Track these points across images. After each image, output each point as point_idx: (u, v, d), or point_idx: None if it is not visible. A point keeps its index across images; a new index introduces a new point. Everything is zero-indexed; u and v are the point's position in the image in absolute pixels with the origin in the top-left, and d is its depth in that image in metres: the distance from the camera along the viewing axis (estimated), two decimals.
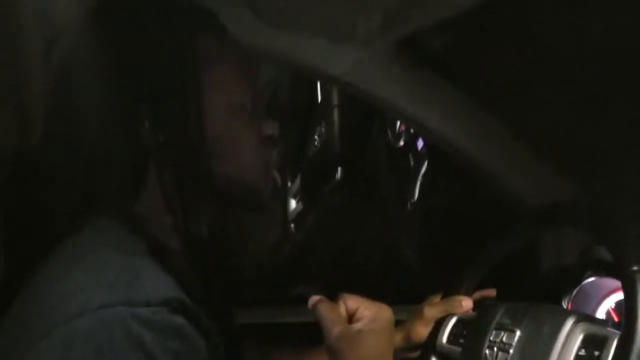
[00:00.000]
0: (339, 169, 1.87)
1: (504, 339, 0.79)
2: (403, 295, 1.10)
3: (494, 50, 0.90)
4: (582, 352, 0.69)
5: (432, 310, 0.94)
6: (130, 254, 0.59)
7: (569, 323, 0.73)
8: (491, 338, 0.80)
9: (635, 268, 0.67)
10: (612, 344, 0.66)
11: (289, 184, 2.13)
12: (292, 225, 1.98)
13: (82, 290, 0.54)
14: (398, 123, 2.01)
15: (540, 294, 1.04)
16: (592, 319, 0.75)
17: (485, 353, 0.79)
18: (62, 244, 0.62)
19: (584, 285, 1.05)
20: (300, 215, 1.96)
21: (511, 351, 0.76)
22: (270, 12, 0.89)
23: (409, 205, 1.80)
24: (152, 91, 0.65)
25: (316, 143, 2.00)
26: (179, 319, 0.55)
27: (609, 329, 0.71)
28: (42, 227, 0.65)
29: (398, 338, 0.95)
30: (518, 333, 0.77)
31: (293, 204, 2.03)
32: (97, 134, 0.64)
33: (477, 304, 0.96)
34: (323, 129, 1.97)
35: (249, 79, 0.72)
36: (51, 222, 0.65)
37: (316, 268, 1.59)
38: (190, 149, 0.64)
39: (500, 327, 0.81)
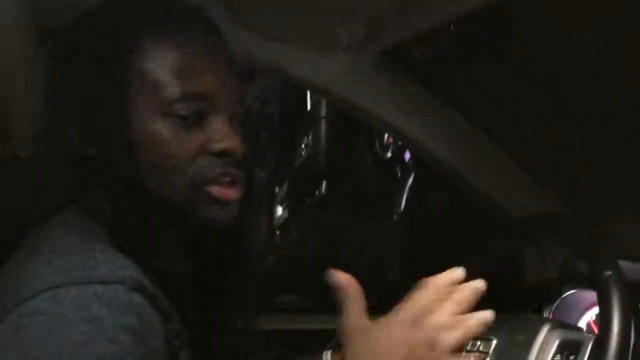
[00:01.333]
0: (324, 181, 1.88)
1: (480, 348, 0.79)
2: (387, 308, 1.10)
3: (475, 62, 0.92)
4: (558, 357, 0.69)
5: None
6: (90, 241, 0.59)
7: (545, 329, 0.74)
8: (468, 347, 0.81)
9: (608, 273, 0.68)
10: (587, 348, 0.67)
11: (276, 196, 2.13)
12: (278, 236, 1.99)
13: (37, 275, 0.54)
14: (385, 135, 2.03)
15: (522, 306, 1.05)
16: (568, 326, 0.76)
17: None
18: (28, 236, 0.63)
19: (564, 297, 1.05)
20: (285, 226, 1.97)
21: (487, 359, 0.77)
22: (255, 22, 0.90)
23: (395, 216, 1.81)
24: (82, 95, 0.64)
25: (303, 153, 2.01)
26: (137, 297, 0.54)
27: (584, 334, 0.72)
28: (16, 222, 0.66)
29: None
30: (494, 341, 0.78)
31: (279, 210, 2.04)
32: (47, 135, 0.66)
33: None
34: (310, 140, 1.98)
35: (190, 86, 0.65)
36: (23, 216, 0.65)
37: (299, 278, 1.59)
38: (111, 157, 0.63)
39: (477, 337, 0.81)
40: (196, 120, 0.65)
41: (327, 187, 1.89)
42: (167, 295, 0.61)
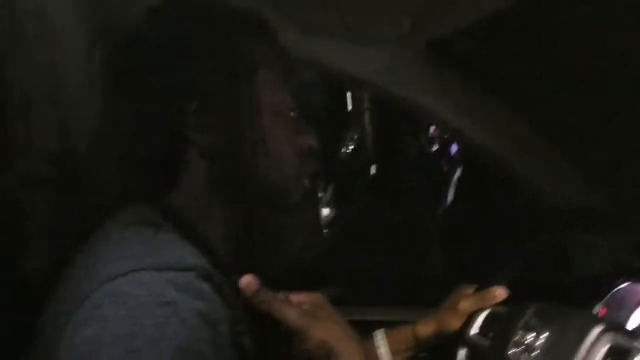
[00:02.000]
0: (370, 173, 1.89)
1: (530, 339, 0.78)
2: (433, 299, 1.10)
3: (520, 53, 0.91)
4: None
5: (466, 304, 0.93)
6: (159, 232, 0.62)
7: (596, 331, 0.72)
8: (518, 337, 0.80)
9: None
10: (634, 358, 0.65)
11: (322, 188, 2.14)
12: (324, 228, 2.00)
13: (113, 262, 0.57)
14: (431, 128, 2.02)
15: (573, 298, 1.03)
16: (621, 329, 0.74)
17: (510, 352, 0.79)
18: (100, 228, 0.66)
19: (617, 291, 1.03)
20: (332, 219, 1.98)
21: (535, 353, 0.76)
22: (301, 18, 0.91)
23: (441, 209, 1.80)
24: (204, 91, 0.67)
25: (348, 148, 2.02)
26: (205, 285, 0.57)
27: (636, 342, 0.70)
28: (85, 216, 0.69)
29: (430, 329, 0.95)
30: (544, 335, 0.77)
31: (325, 208, 2.05)
32: (142, 130, 0.67)
33: (510, 300, 0.95)
34: (355, 134, 1.99)
35: (292, 86, 0.74)
36: (94, 212, 0.68)
37: (347, 271, 1.60)
38: (235, 148, 0.67)
39: (529, 327, 0.80)
40: (295, 119, 0.73)
41: (372, 181, 1.90)
42: (230, 284, 0.64)
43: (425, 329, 0.93)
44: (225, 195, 0.68)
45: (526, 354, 0.76)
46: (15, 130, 0.75)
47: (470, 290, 0.95)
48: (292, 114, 0.72)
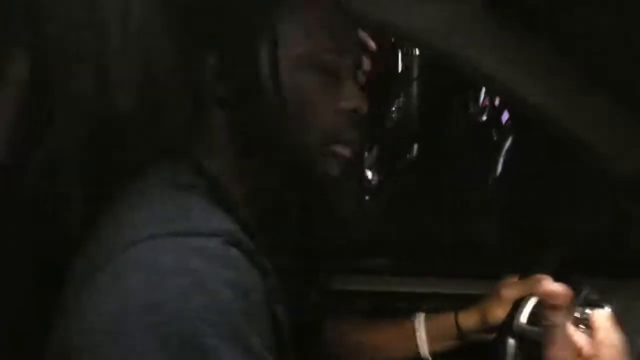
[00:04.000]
0: (416, 145, 1.84)
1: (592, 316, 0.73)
2: (484, 279, 1.05)
3: (587, 9, 0.83)
4: None
5: (509, 291, 0.88)
6: (188, 194, 0.59)
7: None
8: (578, 315, 0.75)
9: None
10: None
11: (366, 155, 2.10)
12: (367, 197, 1.96)
13: (136, 225, 0.55)
14: (481, 97, 1.95)
15: (630, 273, 0.97)
16: None
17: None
18: (128, 185, 0.63)
19: None
20: (375, 188, 1.94)
21: None
22: None
23: (490, 182, 1.74)
24: (223, 36, 0.63)
25: (394, 116, 1.97)
26: (233, 251, 0.54)
27: None
28: (115, 174, 0.66)
29: (473, 319, 0.91)
30: (608, 309, 0.72)
31: (369, 174, 2.01)
32: (164, 80, 0.64)
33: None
34: (402, 102, 1.93)
35: (334, 38, 0.66)
36: (122, 168, 0.66)
37: (391, 241, 1.57)
38: (259, 101, 0.62)
39: (588, 304, 0.75)
40: (336, 76, 0.66)
41: (419, 150, 1.85)
42: (263, 251, 0.60)
43: (469, 318, 0.90)
44: (252, 158, 0.63)
45: (590, 330, 0.72)
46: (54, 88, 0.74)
47: (514, 278, 0.91)
48: (329, 66, 0.65)
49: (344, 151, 0.67)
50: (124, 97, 0.72)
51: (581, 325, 0.73)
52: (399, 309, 1.18)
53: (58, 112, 0.74)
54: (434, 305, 1.03)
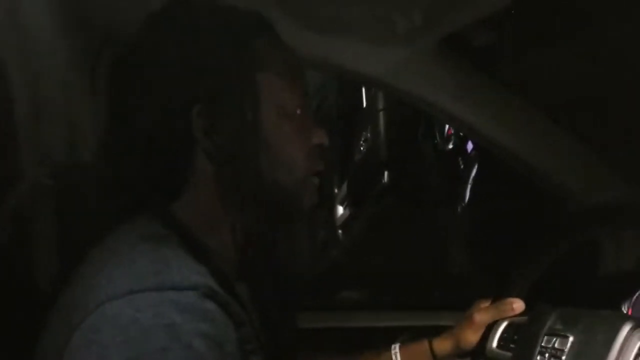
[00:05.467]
0: (386, 173, 1.86)
1: (556, 345, 0.75)
2: (451, 301, 1.07)
3: (538, 45, 0.87)
4: None
5: (482, 316, 0.90)
6: (162, 247, 0.60)
7: (626, 329, 0.69)
8: (543, 344, 0.77)
9: None
10: None
11: (336, 189, 2.12)
12: (339, 230, 1.98)
13: (113, 281, 0.56)
14: (446, 126, 1.98)
15: (598, 299, 1.00)
16: None
17: (537, 359, 0.76)
18: (103, 240, 0.64)
19: None
20: (347, 221, 1.95)
21: (563, 358, 0.73)
22: (309, 15, 0.89)
23: (458, 208, 1.76)
24: (209, 93, 0.65)
25: (362, 148, 1.99)
26: (209, 304, 0.55)
27: None
28: (89, 228, 0.67)
29: (447, 344, 0.92)
30: (571, 339, 0.74)
31: (340, 209, 2.02)
32: (147, 137, 0.65)
33: (528, 309, 0.93)
34: (369, 134, 1.96)
35: (299, 86, 0.72)
36: (97, 223, 0.66)
37: (363, 274, 1.58)
38: (242, 151, 0.65)
39: (553, 333, 0.77)
40: (303, 118, 0.71)
41: (387, 181, 1.86)
42: (237, 300, 0.62)
43: (442, 344, 0.91)
44: (234, 201, 0.65)
45: (553, 359, 0.74)
46: (23, 142, 0.74)
47: (486, 303, 0.93)
48: (298, 112, 0.70)
49: (317, 182, 0.72)
50: (95, 153, 0.74)
51: (546, 354, 0.75)
52: (374, 344, 1.19)
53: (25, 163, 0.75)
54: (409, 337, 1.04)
